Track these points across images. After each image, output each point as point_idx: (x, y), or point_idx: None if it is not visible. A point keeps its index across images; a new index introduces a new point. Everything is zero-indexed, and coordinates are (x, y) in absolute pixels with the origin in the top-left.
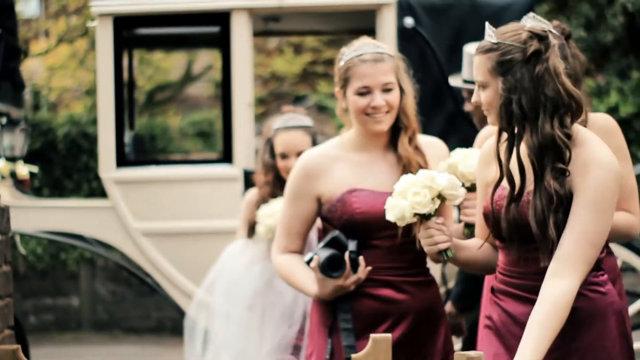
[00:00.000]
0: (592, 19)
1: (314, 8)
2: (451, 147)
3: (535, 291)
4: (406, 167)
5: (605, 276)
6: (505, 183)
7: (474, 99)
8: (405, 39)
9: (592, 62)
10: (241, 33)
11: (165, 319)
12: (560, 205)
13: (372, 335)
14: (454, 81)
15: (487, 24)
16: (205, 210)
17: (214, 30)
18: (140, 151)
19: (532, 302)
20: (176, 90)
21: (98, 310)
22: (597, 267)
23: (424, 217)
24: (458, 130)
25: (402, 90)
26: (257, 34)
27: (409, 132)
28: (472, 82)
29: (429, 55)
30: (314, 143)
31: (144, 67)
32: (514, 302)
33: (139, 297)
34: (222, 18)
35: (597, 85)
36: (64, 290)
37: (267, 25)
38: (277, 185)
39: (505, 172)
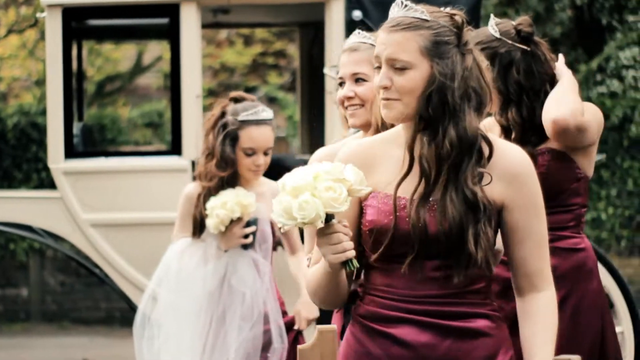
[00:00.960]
0: (541, 12)
1: (263, 1)
2: None
3: (441, 315)
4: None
5: None
6: (406, 189)
7: (381, 82)
8: (354, 31)
9: None
10: (190, 25)
11: (114, 310)
12: (483, 215)
13: (318, 327)
14: (330, 72)
15: None
16: (153, 201)
17: (163, 22)
18: (89, 142)
19: (437, 328)
20: (126, 81)
21: (47, 301)
22: None
23: (328, 219)
24: None
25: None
26: (206, 25)
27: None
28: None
29: None
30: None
31: (94, 58)
32: (414, 329)
33: (88, 288)
34: (171, 10)
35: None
36: (12, 281)
37: (216, 17)
38: (230, 182)
39: (423, 168)
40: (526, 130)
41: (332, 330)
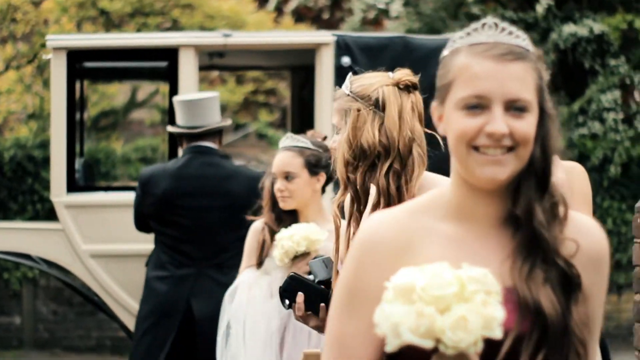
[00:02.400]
0: None
1: (257, 46)
2: None
3: None
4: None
5: None
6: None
7: (500, 128)
8: (343, 76)
9: None
10: (188, 68)
11: (105, 339)
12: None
13: (304, 351)
14: (170, 128)
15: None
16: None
17: (162, 65)
18: (89, 177)
19: None
20: (120, 116)
21: (40, 329)
22: None
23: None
24: None
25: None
26: (202, 68)
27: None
28: (188, 127)
29: None
30: (310, 166)
31: (90, 93)
32: None
33: (80, 317)
34: (170, 53)
35: None
36: (6, 309)
37: (212, 60)
38: (287, 215)
39: (545, 243)
40: None
41: (316, 354)
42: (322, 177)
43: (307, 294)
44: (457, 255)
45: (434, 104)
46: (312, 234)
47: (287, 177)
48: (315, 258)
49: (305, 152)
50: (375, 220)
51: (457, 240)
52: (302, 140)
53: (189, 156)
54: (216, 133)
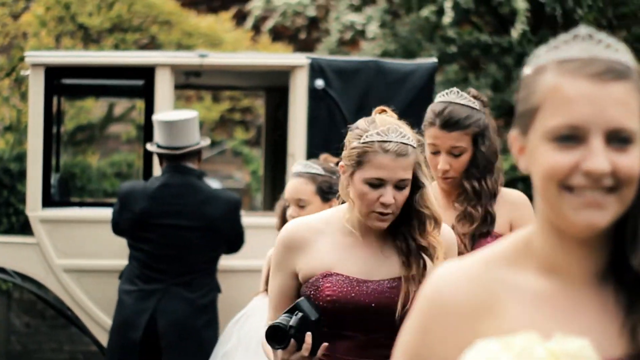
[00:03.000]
0: (500, 79)
1: (233, 67)
2: None
3: None
4: (404, 253)
5: None
6: None
7: (601, 165)
8: (316, 98)
9: (500, 120)
10: (164, 86)
11: (77, 352)
12: None
13: None
14: (150, 147)
15: None
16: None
17: (139, 83)
18: (64, 192)
19: None
20: (97, 130)
21: (12, 341)
22: None
23: None
24: None
25: (420, 186)
26: (179, 87)
27: (425, 218)
28: (168, 148)
29: (337, 114)
30: (322, 193)
31: (67, 107)
32: None
33: (53, 330)
34: (147, 72)
35: (502, 143)
36: None
37: (188, 79)
38: None
39: None
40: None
41: None
42: (335, 203)
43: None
44: (547, 319)
45: (513, 134)
46: None
47: (300, 204)
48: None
49: (317, 178)
50: (446, 273)
51: (546, 300)
52: (314, 167)
53: (168, 176)
54: (195, 153)
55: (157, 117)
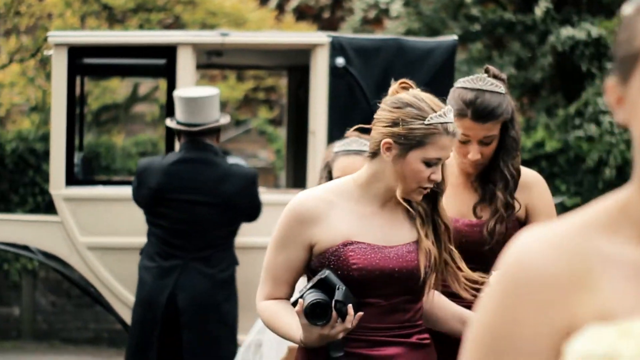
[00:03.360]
0: (523, 57)
1: (254, 46)
2: None
3: None
4: (422, 216)
5: None
6: None
7: None
8: (337, 76)
9: (523, 99)
10: (186, 66)
11: (102, 331)
12: None
13: (288, 345)
14: (170, 122)
15: None
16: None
17: (161, 62)
18: (88, 171)
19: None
20: (121, 110)
21: (38, 321)
22: None
23: None
24: None
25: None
26: (200, 66)
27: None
28: (187, 124)
29: (358, 92)
30: None
31: (92, 87)
32: None
33: (78, 309)
34: (168, 51)
35: (526, 121)
36: (5, 300)
37: (210, 59)
38: None
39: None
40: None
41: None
42: None
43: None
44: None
45: (610, 82)
46: None
47: None
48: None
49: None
50: (531, 241)
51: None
52: (362, 144)
53: (186, 152)
54: (214, 131)
55: (177, 92)
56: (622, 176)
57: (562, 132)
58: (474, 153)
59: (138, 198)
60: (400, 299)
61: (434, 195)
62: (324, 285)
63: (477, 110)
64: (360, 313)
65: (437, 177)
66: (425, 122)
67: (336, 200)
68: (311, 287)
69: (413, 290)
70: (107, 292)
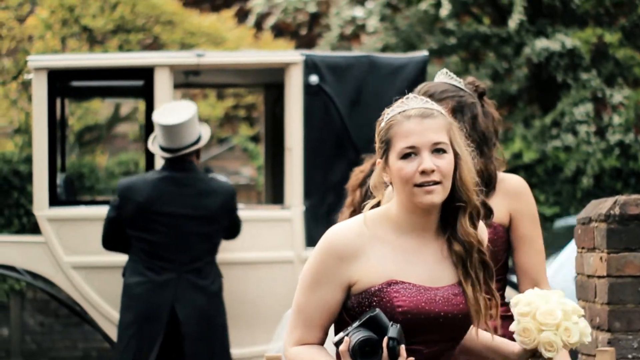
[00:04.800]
0: (499, 69)
1: (230, 65)
2: None
3: None
4: (463, 257)
5: None
6: None
7: None
8: (311, 94)
9: (500, 110)
10: (163, 86)
11: (91, 350)
12: None
13: (266, 355)
14: (152, 147)
15: None
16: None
17: (139, 84)
18: (70, 192)
19: None
20: (104, 130)
21: (27, 341)
22: None
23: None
24: None
25: (457, 156)
26: (178, 86)
27: (468, 210)
28: (168, 150)
29: (332, 109)
30: None
31: (74, 108)
32: None
33: (66, 329)
34: (146, 73)
35: (504, 132)
36: None
37: (187, 78)
38: None
39: None
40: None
41: (278, 357)
42: None
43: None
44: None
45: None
46: None
47: None
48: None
49: None
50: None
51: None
52: None
53: (169, 169)
54: (194, 151)
55: (156, 118)
56: (599, 185)
57: (539, 143)
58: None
59: (122, 214)
60: (442, 347)
61: (466, 216)
62: (372, 324)
63: (420, 92)
64: (412, 358)
65: (425, 165)
66: (384, 121)
67: (376, 233)
68: (358, 326)
69: (457, 338)
70: (93, 310)
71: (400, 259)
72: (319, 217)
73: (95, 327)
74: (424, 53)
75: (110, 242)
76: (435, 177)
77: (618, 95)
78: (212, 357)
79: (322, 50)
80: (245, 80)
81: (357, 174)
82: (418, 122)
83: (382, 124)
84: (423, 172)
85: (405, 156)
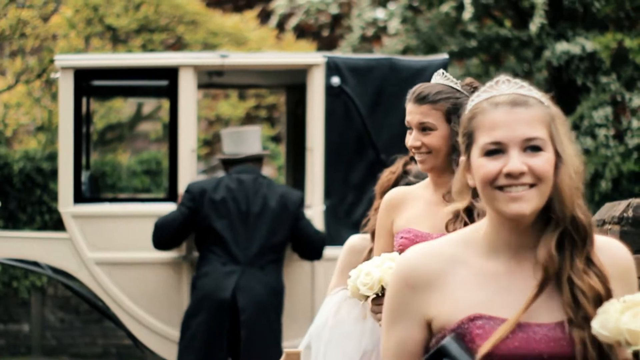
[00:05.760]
0: (520, 72)
1: (253, 66)
2: (371, 193)
3: None
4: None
5: None
6: None
7: None
8: (332, 95)
9: None
10: (187, 86)
11: (111, 346)
12: None
13: (285, 350)
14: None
15: None
16: (151, 243)
17: (163, 84)
18: (94, 189)
19: None
20: (126, 129)
21: (47, 337)
22: None
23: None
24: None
25: (558, 156)
26: (201, 86)
27: (560, 227)
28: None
29: (353, 110)
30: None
31: (97, 107)
32: None
33: (87, 325)
34: (170, 73)
35: None
36: (15, 317)
37: (211, 79)
38: None
39: None
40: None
41: (297, 352)
42: None
43: None
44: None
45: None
46: None
47: None
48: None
49: None
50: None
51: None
52: None
53: (239, 174)
54: (257, 160)
55: (226, 130)
56: (617, 188)
57: None
58: (412, 139)
59: (197, 217)
60: None
61: (576, 237)
62: (444, 355)
63: (415, 93)
64: None
65: (512, 166)
66: (468, 109)
67: (462, 255)
68: (429, 356)
69: None
70: (116, 306)
71: (487, 287)
72: (339, 217)
73: (118, 324)
74: (445, 56)
75: (170, 240)
76: (526, 179)
77: (637, 99)
78: (266, 346)
79: (343, 51)
80: (267, 81)
81: (387, 176)
82: (507, 111)
83: (465, 112)
84: (509, 175)
85: (489, 153)
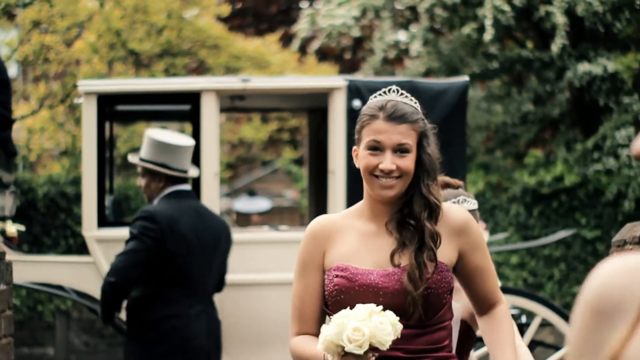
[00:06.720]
0: (542, 93)
1: (274, 90)
2: None
3: None
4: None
5: None
6: None
7: None
8: (354, 118)
9: (542, 134)
10: (210, 111)
11: None
12: None
13: None
14: (132, 158)
15: None
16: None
17: (185, 108)
18: (118, 213)
19: None
20: None
21: None
22: None
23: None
24: None
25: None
26: (224, 110)
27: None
28: (148, 162)
29: None
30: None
31: (120, 130)
32: None
33: (111, 348)
34: (193, 98)
35: (546, 155)
36: (40, 340)
37: (233, 102)
38: None
39: None
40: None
41: None
42: None
43: None
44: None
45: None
46: None
47: None
48: None
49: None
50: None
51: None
52: (472, 202)
53: (190, 198)
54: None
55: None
56: None
57: (581, 166)
58: (387, 162)
59: (167, 247)
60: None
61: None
62: None
63: (389, 111)
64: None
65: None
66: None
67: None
68: None
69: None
70: None
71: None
72: None
73: None
74: (465, 78)
75: (134, 279)
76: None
77: None
78: None
79: (365, 74)
80: (289, 105)
81: None
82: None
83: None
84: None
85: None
